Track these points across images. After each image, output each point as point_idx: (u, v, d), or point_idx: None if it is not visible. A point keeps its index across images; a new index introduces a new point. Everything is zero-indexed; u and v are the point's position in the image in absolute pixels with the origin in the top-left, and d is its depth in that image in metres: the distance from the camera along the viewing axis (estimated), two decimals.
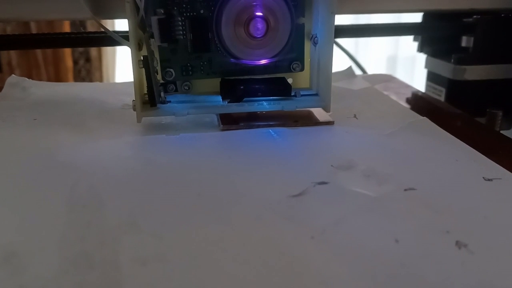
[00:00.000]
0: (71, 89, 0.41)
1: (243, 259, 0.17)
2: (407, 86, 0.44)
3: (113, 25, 1.05)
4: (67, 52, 1.28)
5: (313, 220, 0.20)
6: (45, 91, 0.39)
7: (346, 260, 0.17)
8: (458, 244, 0.18)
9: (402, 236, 0.18)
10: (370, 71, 0.55)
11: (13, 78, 0.40)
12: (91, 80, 1.34)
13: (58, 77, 1.29)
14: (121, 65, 1.32)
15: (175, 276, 0.16)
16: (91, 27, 1.15)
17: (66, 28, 1.17)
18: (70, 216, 0.20)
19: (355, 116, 0.33)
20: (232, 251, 0.18)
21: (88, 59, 1.33)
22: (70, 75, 1.31)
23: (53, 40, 0.41)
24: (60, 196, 0.22)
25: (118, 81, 0.43)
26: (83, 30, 0.42)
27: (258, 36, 0.29)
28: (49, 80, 1.25)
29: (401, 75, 1.06)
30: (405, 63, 1.33)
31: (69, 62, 1.30)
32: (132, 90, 0.28)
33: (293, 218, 0.20)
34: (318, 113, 0.32)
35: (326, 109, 0.31)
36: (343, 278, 0.16)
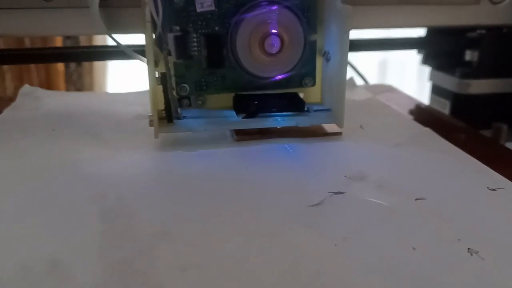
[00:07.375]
0: (82, 99, 0.42)
1: (272, 265, 0.19)
2: (408, 97, 0.46)
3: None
4: None
5: (334, 229, 0.21)
6: (57, 101, 0.40)
7: (370, 267, 0.18)
8: (470, 251, 0.19)
9: (418, 244, 0.20)
10: None
11: (26, 88, 0.40)
12: (82, 84, 1.33)
13: (49, 81, 1.28)
14: (112, 69, 1.32)
15: (215, 281, 0.18)
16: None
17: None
18: (105, 226, 0.21)
19: (361, 127, 0.34)
20: (261, 258, 0.19)
21: (79, 63, 1.33)
22: (62, 78, 1.31)
23: (57, 55, 0.42)
24: (92, 207, 0.23)
25: (127, 91, 0.44)
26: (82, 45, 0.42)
27: (273, 52, 0.30)
28: (40, 84, 1.24)
29: (392, 80, 1.08)
30: (395, 68, 1.35)
31: (60, 66, 1.29)
32: (142, 100, 0.29)
33: (315, 227, 0.21)
34: (326, 124, 0.33)
35: (339, 124, 0.31)
36: (369, 285, 0.18)
